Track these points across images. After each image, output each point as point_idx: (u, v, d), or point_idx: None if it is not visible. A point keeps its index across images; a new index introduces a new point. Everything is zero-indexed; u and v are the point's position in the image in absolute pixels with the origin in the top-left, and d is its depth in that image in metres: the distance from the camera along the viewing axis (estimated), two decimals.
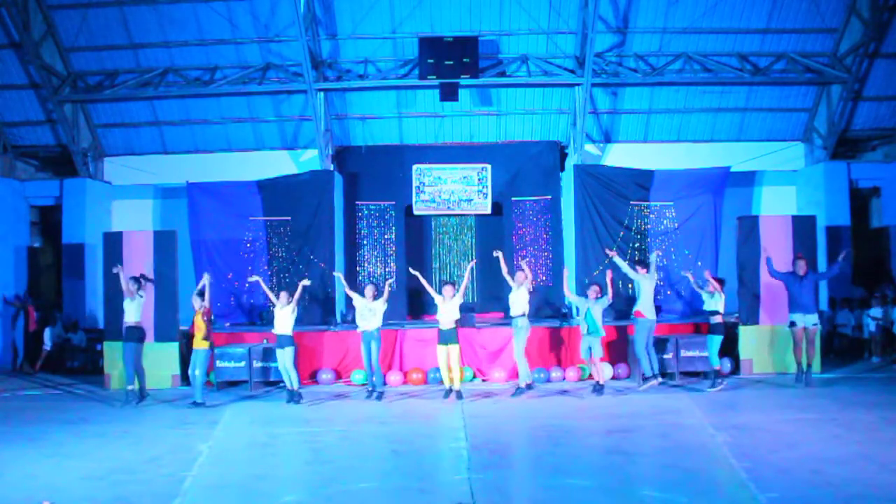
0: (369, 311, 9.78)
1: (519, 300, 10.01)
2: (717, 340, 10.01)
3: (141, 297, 10.13)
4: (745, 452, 6.68)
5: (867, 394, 9.44)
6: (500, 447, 7.16)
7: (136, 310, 9.96)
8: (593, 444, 7.27)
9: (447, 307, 9.88)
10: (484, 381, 11.24)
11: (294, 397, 9.64)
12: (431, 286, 10.68)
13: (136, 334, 9.94)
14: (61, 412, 9.36)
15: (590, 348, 9.94)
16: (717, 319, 10.06)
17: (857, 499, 5.40)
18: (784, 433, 7.51)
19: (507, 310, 13.47)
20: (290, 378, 9.72)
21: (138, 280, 10.21)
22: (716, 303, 10.10)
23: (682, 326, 11.79)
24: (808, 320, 10.08)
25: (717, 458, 6.65)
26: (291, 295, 9.92)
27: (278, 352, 9.90)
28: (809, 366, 10.09)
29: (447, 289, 9.97)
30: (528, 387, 9.88)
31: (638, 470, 6.33)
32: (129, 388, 9.73)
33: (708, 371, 10.44)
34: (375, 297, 9.89)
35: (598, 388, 9.79)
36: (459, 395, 9.67)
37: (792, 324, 10.12)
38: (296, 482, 6.16)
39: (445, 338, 9.85)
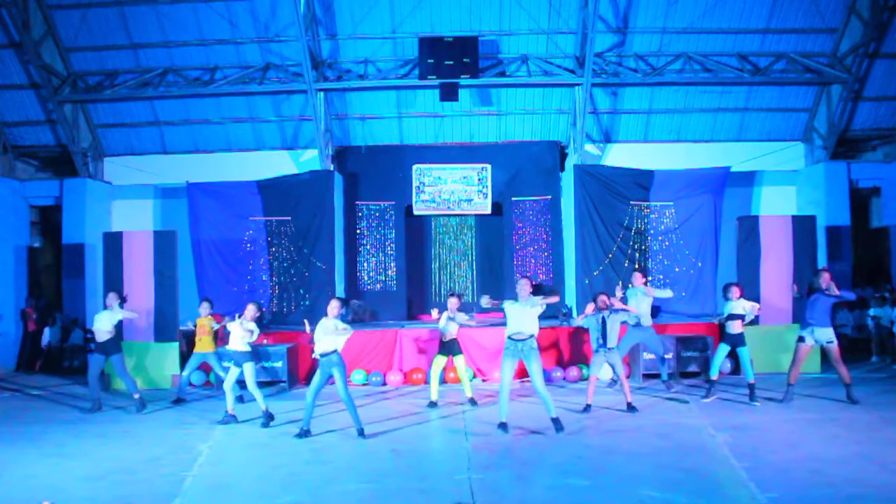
0: (326, 331, 7.79)
1: (535, 316, 7.87)
2: (735, 350, 9.28)
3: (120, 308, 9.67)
4: (745, 452, 6.69)
5: (867, 394, 9.43)
6: (500, 447, 7.16)
7: (113, 320, 9.49)
8: (593, 443, 7.27)
9: (449, 319, 9.41)
10: (484, 381, 11.24)
11: (227, 419, 8.56)
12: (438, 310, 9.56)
13: (119, 344, 9.65)
14: (61, 412, 9.37)
15: (608, 364, 8.91)
16: (736, 328, 9.20)
17: (857, 499, 5.41)
18: (784, 433, 7.51)
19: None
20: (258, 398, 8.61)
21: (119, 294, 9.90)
22: (737, 307, 9.23)
23: (683, 326, 11.79)
24: (820, 336, 9.00)
25: (717, 458, 6.65)
26: (259, 310, 8.99)
27: (235, 369, 8.70)
28: (847, 384, 8.97)
29: (453, 301, 9.44)
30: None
31: (638, 470, 6.33)
32: (136, 395, 9.38)
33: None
34: (339, 315, 7.89)
35: (631, 409, 8.66)
36: (473, 402, 9.39)
37: (800, 339, 9.11)
38: (296, 482, 6.16)
39: (449, 348, 9.40)
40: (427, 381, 10.91)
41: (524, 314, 7.76)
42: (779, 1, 12.88)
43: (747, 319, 9.30)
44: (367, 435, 7.67)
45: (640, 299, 10.13)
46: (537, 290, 8.91)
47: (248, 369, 8.57)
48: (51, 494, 5.75)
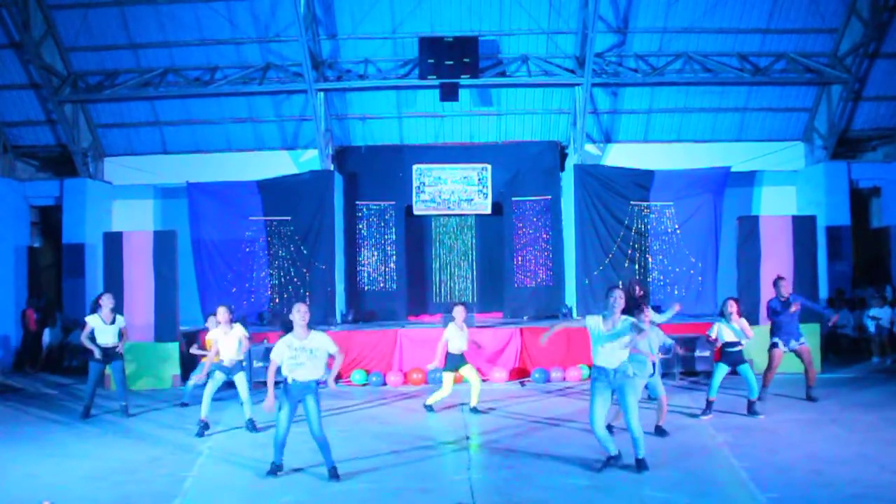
0: (309, 354, 6.25)
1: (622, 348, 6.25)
2: (736, 370, 8.47)
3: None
4: (745, 452, 6.68)
5: (867, 394, 9.44)
6: (500, 447, 7.16)
7: (116, 331, 9.21)
8: (593, 444, 7.24)
9: (460, 333, 8.82)
10: (484, 381, 11.22)
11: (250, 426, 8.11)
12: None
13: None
14: (61, 412, 9.36)
15: (648, 387, 7.56)
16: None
17: (857, 499, 5.40)
18: (784, 433, 7.51)
19: (505, 309, 13.39)
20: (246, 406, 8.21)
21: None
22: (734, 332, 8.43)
23: (683, 326, 11.77)
24: (793, 343, 9.07)
25: (717, 458, 6.65)
26: (230, 311, 8.31)
27: (220, 375, 8.21)
28: (811, 386, 9.12)
29: (459, 311, 8.91)
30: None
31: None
32: (124, 403, 9.09)
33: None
34: (309, 326, 6.36)
35: (661, 432, 7.56)
36: (476, 411, 8.81)
37: (773, 345, 9.10)
38: (296, 482, 6.16)
39: (456, 362, 8.84)
40: (427, 382, 10.90)
41: (612, 346, 6.16)
42: (779, 1, 12.88)
43: (744, 344, 8.48)
44: (368, 434, 7.65)
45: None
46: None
47: (243, 377, 8.28)
48: (51, 494, 5.74)
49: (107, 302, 9.18)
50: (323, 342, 6.30)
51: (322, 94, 13.55)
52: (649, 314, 7.54)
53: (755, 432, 7.56)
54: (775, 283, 9.29)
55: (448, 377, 8.91)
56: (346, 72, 13.65)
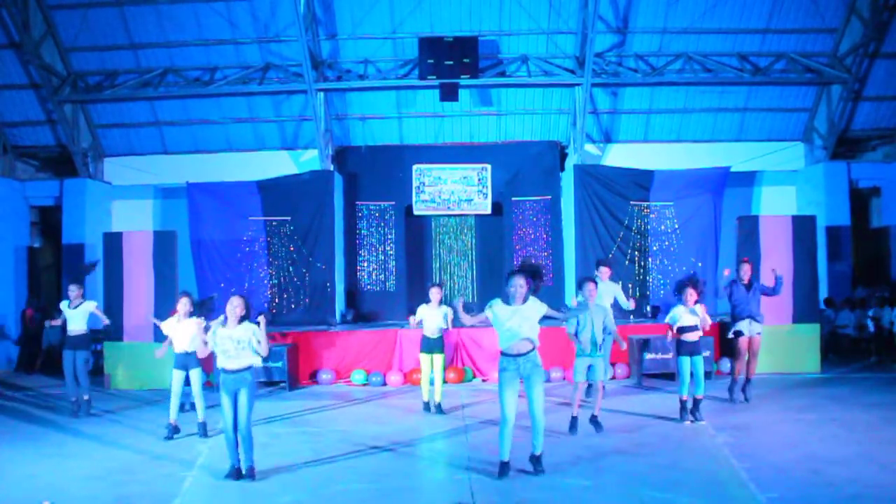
0: (235, 344, 6.21)
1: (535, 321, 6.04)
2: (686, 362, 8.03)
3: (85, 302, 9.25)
4: (745, 452, 6.67)
5: (867, 394, 9.44)
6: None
7: (86, 317, 9.24)
8: (593, 444, 7.26)
9: (434, 313, 8.87)
10: (484, 381, 11.24)
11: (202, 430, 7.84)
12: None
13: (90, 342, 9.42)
14: (61, 412, 9.35)
15: (590, 367, 7.69)
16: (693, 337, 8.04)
17: (857, 499, 5.40)
18: (784, 433, 7.51)
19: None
20: (200, 406, 7.89)
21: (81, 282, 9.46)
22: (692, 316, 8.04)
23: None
24: (755, 329, 8.95)
25: (717, 458, 6.64)
26: (194, 305, 8.11)
27: (178, 373, 7.93)
28: (749, 380, 8.98)
29: (434, 292, 8.99)
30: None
31: (638, 470, 6.32)
32: (86, 397, 9.04)
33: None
34: (242, 319, 6.31)
35: (594, 422, 7.66)
36: (440, 409, 8.75)
37: (738, 333, 8.96)
38: (296, 482, 6.15)
39: (430, 346, 8.80)
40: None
41: (520, 321, 5.89)
42: (779, 1, 12.88)
43: (700, 329, 8.03)
44: (367, 434, 7.66)
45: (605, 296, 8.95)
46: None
47: (197, 374, 7.99)
48: (51, 494, 5.74)
49: (72, 291, 9.29)
50: (248, 333, 6.23)
51: (322, 94, 13.56)
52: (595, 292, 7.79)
53: (755, 432, 7.56)
54: (738, 266, 9.16)
55: (424, 359, 8.84)
56: (346, 72, 13.65)
